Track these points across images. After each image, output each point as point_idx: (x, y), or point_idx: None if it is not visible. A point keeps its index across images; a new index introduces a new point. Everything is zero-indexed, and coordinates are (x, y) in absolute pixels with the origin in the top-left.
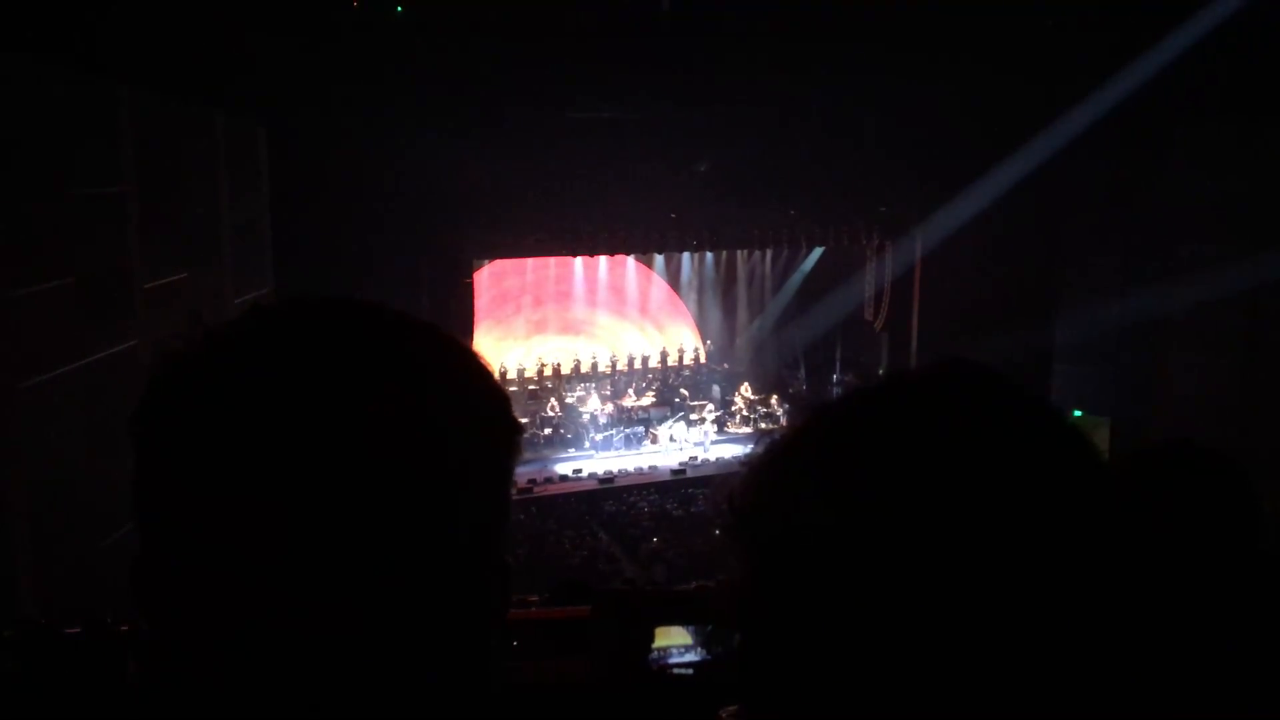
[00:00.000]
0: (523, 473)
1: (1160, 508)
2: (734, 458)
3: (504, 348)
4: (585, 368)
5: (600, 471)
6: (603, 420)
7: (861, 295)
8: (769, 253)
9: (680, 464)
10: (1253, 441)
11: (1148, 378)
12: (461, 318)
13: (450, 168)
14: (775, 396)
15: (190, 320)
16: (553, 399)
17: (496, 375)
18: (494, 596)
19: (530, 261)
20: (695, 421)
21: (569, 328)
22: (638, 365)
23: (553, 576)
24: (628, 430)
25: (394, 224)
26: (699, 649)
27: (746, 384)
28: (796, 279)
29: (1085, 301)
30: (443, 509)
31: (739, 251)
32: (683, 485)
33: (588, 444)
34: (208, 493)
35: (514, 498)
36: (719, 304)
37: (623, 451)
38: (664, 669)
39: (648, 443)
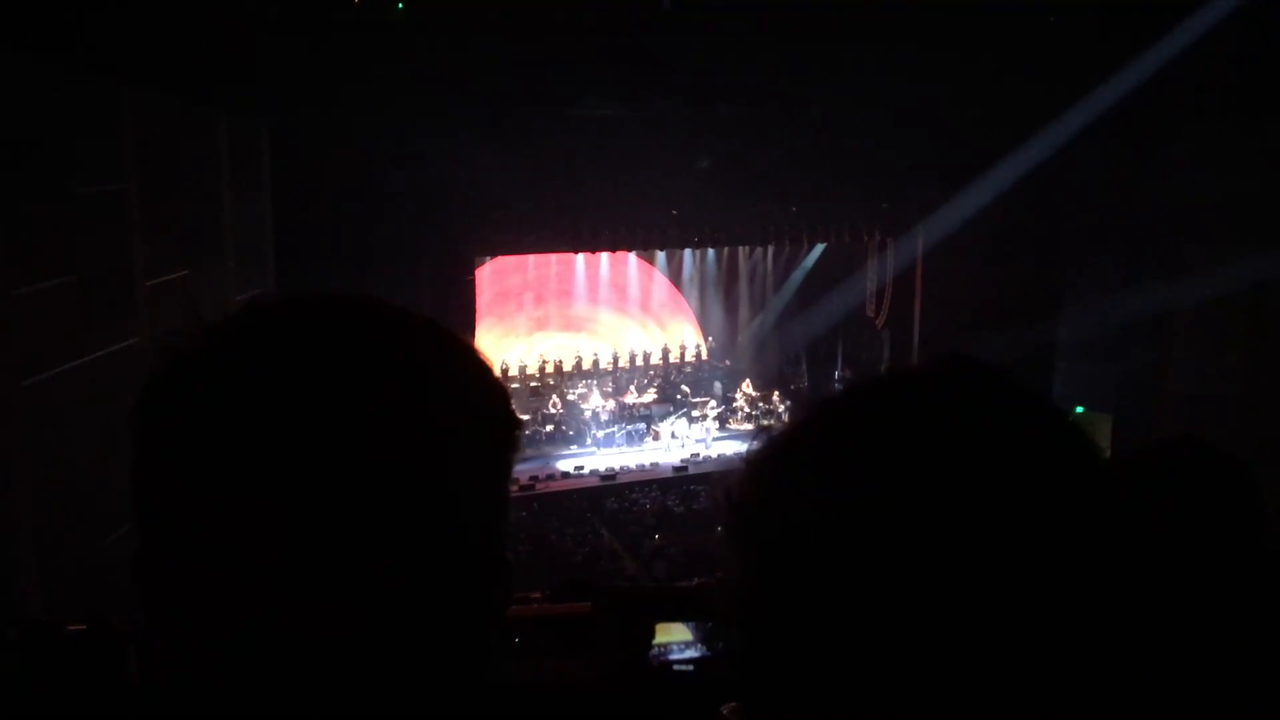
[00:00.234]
0: (524, 470)
1: (1163, 505)
2: (736, 454)
3: (506, 345)
4: (587, 365)
5: (602, 468)
6: (604, 417)
7: (863, 292)
8: (771, 249)
9: (682, 461)
10: (1255, 438)
11: (1150, 375)
12: (463, 315)
13: (452, 165)
14: (777, 393)
15: (189, 317)
16: (554, 396)
17: (497, 372)
18: (495, 593)
19: (532, 258)
20: (697, 418)
21: (571, 325)
22: (639, 362)
23: (555, 573)
24: (629, 427)
25: (396, 221)
26: (699, 645)
27: (748, 381)
28: (798, 276)
29: (1087, 298)
30: (442, 506)
31: (741, 248)
32: (684, 482)
33: (589, 441)
34: (206, 491)
35: (516, 494)
36: (721, 301)
37: (624, 448)
38: (664, 666)
39: (649, 439)
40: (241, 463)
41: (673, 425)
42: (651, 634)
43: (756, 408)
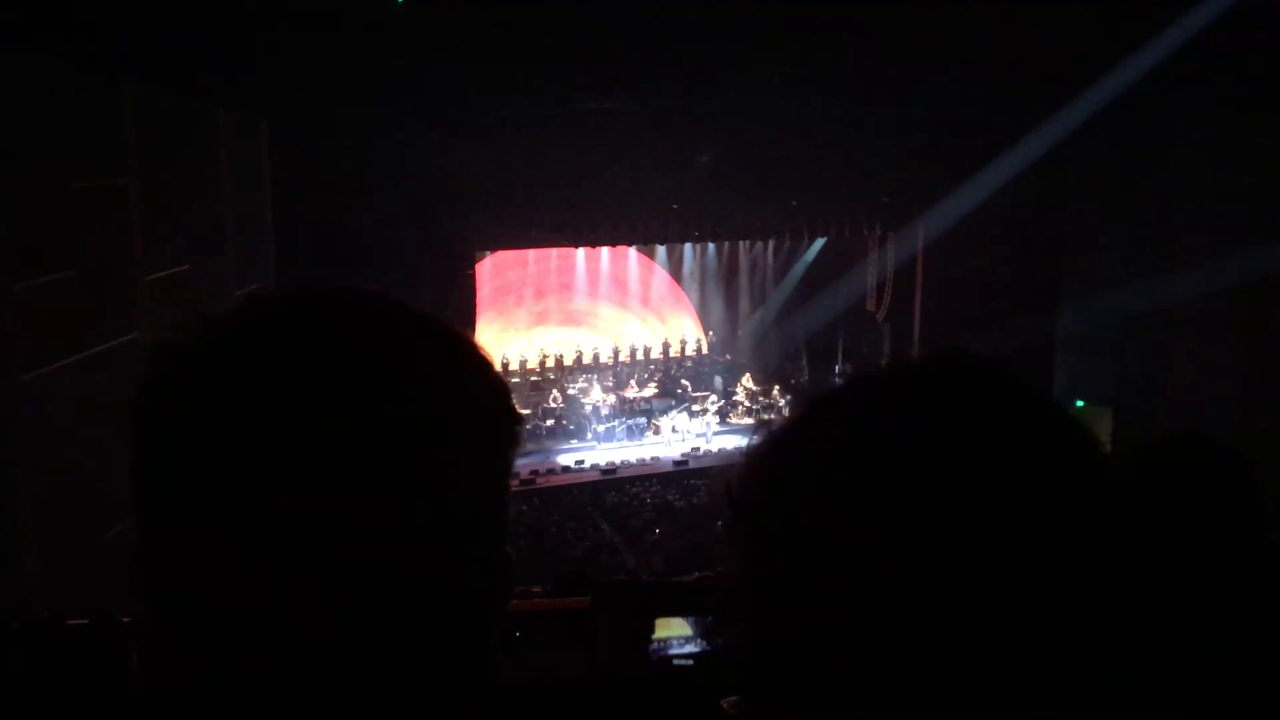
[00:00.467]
0: (525, 464)
1: (1164, 498)
2: (736, 449)
3: (506, 339)
4: (587, 359)
5: (602, 463)
6: (605, 411)
7: (864, 286)
8: (771, 243)
9: (682, 455)
10: (1255, 432)
11: (1150, 369)
12: (463, 309)
13: (452, 159)
14: (777, 387)
15: (189, 311)
16: (555, 390)
17: (498, 366)
18: (495, 587)
19: (532, 253)
20: (697, 412)
21: (571, 319)
22: (640, 356)
23: (555, 567)
24: (630, 421)
25: (396, 216)
26: (699, 640)
27: (749, 375)
28: (798, 270)
29: (1087, 292)
30: (443, 500)
31: (741, 242)
32: (685, 476)
33: (590, 435)
34: (206, 485)
35: (516, 489)
36: (721, 295)
37: (625, 443)
38: (664, 660)
39: (650, 434)
40: (241, 457)
41: (673, 420)
42: (651, 628)
43: (757, 402)
